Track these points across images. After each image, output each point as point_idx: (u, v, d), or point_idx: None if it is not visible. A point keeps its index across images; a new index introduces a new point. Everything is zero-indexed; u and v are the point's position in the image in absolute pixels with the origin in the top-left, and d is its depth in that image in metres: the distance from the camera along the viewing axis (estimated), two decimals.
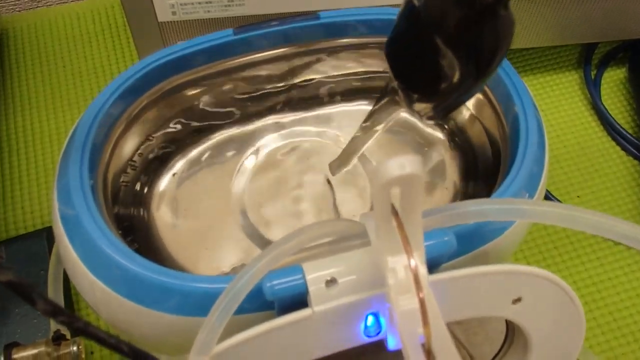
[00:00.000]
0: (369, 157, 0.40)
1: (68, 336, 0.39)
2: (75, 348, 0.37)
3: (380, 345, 0.28)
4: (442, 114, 0.28)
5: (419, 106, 0.28)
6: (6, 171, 0.52)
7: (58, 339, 0.37)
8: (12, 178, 0.51)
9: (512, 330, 0.34)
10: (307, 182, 0.40)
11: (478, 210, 0.28)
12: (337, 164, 0.38)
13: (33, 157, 0.52)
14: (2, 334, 0.41)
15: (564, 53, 0.59)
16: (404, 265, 0.24)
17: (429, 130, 0.41)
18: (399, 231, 0.23)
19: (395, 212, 0.23)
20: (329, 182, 0.40)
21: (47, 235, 0.47)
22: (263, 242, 0.38)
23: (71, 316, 0.20)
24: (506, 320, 0.34)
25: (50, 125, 0.54)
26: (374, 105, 0.32)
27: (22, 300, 0.41)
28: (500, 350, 0.35)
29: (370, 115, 0.33)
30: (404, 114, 0.41)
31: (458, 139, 0.41)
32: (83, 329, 0.20)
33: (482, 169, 0.38)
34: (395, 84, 0.28)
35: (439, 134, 0.41)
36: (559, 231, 0.49)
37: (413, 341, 0.23)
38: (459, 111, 0.40)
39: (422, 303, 0.22)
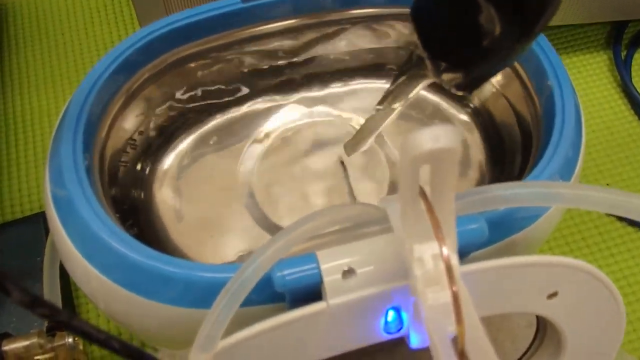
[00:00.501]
0: (385, 139, 0.38)
1: None
2: (71, 339, 0.34)
3: (397, 342, 0.26)
4: (474, 84, 0.25)
5: (448, 76, 0.25)
6: (3, 151, 0.49)
7: (53, 329, 0.35)
8: (9, 159, 0.49)
9: (543, 327, 0.31)
10: (319, 164, 0.37)
11: (513, 194, 0.25)
12: (352, 145, 0.35)
13: (31, 136, 0.50)
14: None
15: (592, 32, 0.56)
16: (432, 254, 0.21)
17: (451, 111, 0.39)
18: (428, 215, 0.20)
19: (423, 194, 0.20)
20: (342, 163, 0.37)
21: (44, 219, 0.44)
22: (272, 228, 0.35)
23: (52, 308, 0.17)
24: (537, 316, 0.31)
25: (50, 104, 0.52)
26: (394, 80, 0.29)
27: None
28: (529, 349, 0.32)
29: (391, 91, 0.30)
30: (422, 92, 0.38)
31: (482, 119, 0.38)
32: (67, 323, 0.17)
33: (510, 151, 0.36)
34: (422, 52, 0.25)
35: (462, 115, 0.39)
36: (587, 220, 0.46)
37: (443, 340, 0.20)
38: (484, 88, 0.38)
39: (455, 297, 0.19)
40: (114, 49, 0.32)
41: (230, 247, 0.34)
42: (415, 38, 0.25)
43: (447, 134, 0.17)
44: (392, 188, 0.37)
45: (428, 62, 0.25)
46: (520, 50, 0.23)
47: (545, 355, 0.31)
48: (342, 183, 0.37)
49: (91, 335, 0.18)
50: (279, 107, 0.39)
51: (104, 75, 0.31)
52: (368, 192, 0.36)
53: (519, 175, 0.34)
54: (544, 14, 0.21)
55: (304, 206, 0.36)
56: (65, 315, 0.17)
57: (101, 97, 0.31)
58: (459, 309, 0.19)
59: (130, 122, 0.34)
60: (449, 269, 0.19)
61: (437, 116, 0.39)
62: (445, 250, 0.20)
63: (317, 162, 0.37)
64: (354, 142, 0.35)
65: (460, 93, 0.26)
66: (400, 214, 0.21)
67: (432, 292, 0.21)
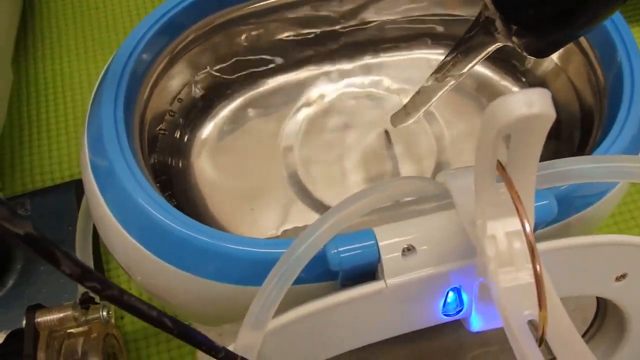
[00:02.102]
0: (435, 113, 0.36)
1: (97, 299, 0.35)
2: (105, 313, 0.33)
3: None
4: (552, 47, 0.23)
5: (522, 40, 0.23)
6: (33, 118, 0.48)
7: (86, 301, 0.34)
8: (40, 126, 0.48)
9: (603, 309, 0.30)
10: (364, 137, 0.36)
11: (582, 169, 0.23)
12: (401, 116, 0.33)
13: (62, 103, 0.49)
14: (25, 294, 0.38)
15: None
16: (506, 232, 0.20)
17: (504, 83, 0.37)
18: (509, 190, 0.18)
19: (501, 167, 0.19)
20: (387, 135, 0.35)
21: (75, 188, 0.43)
22: (313, 202, 0.34)
23: (104, 281, 0.16)
24: (597, 298, 0.30)
25: (81, 70, 0.50)
26: (456, 45, 0.27)
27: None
28: (587, 331, 0.30)
29: (451, 59, 0.28)
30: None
31: None
32: (118, 298, 0.16)
33: (566, 126, 0.34)
34: (493, 13, 0.23)
35: (515, 88, 0.37)
36: (637, 199, 0.44)
37: (521, 325, 0.18)
38: (538, 61, 0.36)
39: (538, 279, 0.17)
40: (158, 8, 0.30)
41: (271, 221, 0.33)
42: None
43: (542, 98, 0.15)
44: (439, 165, 0.35)
45: (499, 24, 0.23)
46: (616, 7, 0.21)
47: (606, 339, 0.29)
48: (385, 157, 0.35)
49: (142, 312, 0.17)
50: (325, 75, 0.37)
51: (148, 34, 0.29)
52: (412, 167, 0.35)
53: (578, 152, 0.32)
54: None
55: (347, 179, 0.34)
56: (117, 290, 0.16)
57: (144, 57, 0.30)
58: (542, 291, 0.17)
59: (172, 85, 0.33)
60: (531, 248, 0.18)
61: (488, 89, 0.37)
62: (527, 227, 0.18)
63: (361, 134, 0.36)
64: (403, 113, 0.33)
65: (534, 57, 0.24)
66: (475, 187, 0.19)
67: (506, 273, 0.19)
